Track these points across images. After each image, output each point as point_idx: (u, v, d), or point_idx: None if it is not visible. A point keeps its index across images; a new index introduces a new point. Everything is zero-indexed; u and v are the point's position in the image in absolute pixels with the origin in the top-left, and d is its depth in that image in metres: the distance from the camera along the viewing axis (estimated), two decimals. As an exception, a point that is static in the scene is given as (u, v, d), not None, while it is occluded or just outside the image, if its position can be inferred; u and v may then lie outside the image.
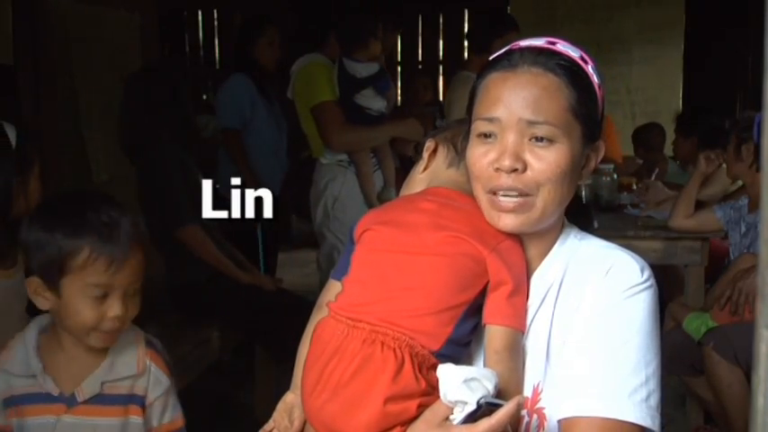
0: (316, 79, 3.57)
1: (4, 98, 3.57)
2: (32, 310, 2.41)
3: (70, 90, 3.91)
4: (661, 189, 4.37)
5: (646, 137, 5.30)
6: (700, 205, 3.57)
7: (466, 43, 7.29)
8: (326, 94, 3.54)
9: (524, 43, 1.19)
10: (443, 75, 7.34)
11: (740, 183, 3.66)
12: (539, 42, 1.18)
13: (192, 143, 3.41)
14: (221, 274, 3.26)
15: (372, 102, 3.71)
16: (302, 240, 6.85)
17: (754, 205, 3.15)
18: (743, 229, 3.20)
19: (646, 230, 3.71)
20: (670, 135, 5.16)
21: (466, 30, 7.25)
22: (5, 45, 3.51)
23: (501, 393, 1.03)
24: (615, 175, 4.35)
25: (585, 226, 1.29)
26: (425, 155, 1.35)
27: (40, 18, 3.69)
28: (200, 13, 6.89)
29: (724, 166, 3.50)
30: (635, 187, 4.60)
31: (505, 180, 1.12)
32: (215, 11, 6.90)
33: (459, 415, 1.00)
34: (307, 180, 3.84)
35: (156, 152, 3.21)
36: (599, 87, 1.19)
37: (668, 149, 5.28)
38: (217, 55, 6.80)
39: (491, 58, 1.21)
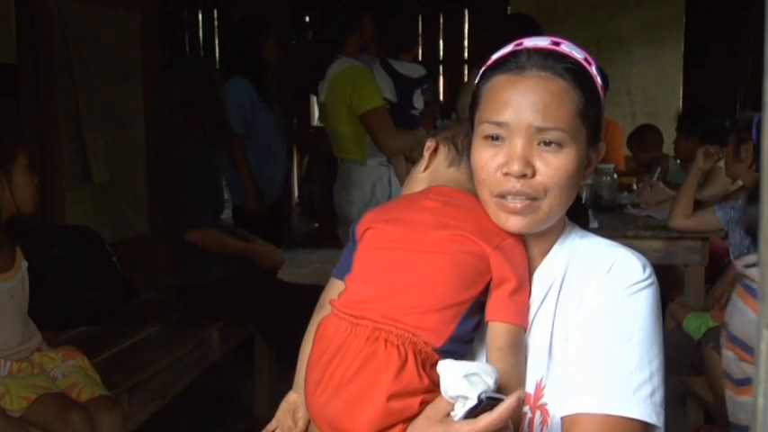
0: (365, 84, 3.57)
1: (8, 97, 3.57)
2: (35, 313, 2.43)
3: (71, 90, 3.91)
4: (662, 189, 4.37)
5: (641, 137, 5.30)
6: (700, 205, 3.57)
7: (466, 43, 7.30)
8: (378, 99, 3.57)
9: (529, 43, 1.18)
10: (443, 75, 7.34)
11: (740, 183, 3.66)
12: (544, 43, 1.17)
13: (223, 142, 3.40)
14: (231, 276, 3.27)
15: (419, 102, 3.89)
16: (302, 240, 6.86)
17: (754, 205, 3.15)
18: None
19: (646, 230, 3.71)
20: (670, 134, 5.16)
21: (466, 30, 7.25)
22: (9, 45, 3.51)
23: (503, 390, 1.03)
24: (615, 175, 4.36)
25: (583, 225, 1.30)
26: (426, 154, 1.35)
27: (40, 18, 3.69)
28: (200, 13, 6.89)
29: (722, 164, 3.50)
30: (635, 187, 4.61)
31: (514, 185, 1.12)
32: (215, 11, 6.90)
33: (460, 410, 1.00)
34: (327, 180, 3.87)
35: (183, 150, 3.21)
36: (602, 89, 1.19)
37: (669, 149, 5.29)
38: (217, 55, 6.80)
39: (494, 57, 1.20)
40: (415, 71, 4.00)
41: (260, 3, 6.40)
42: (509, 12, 6.64)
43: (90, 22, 4.05)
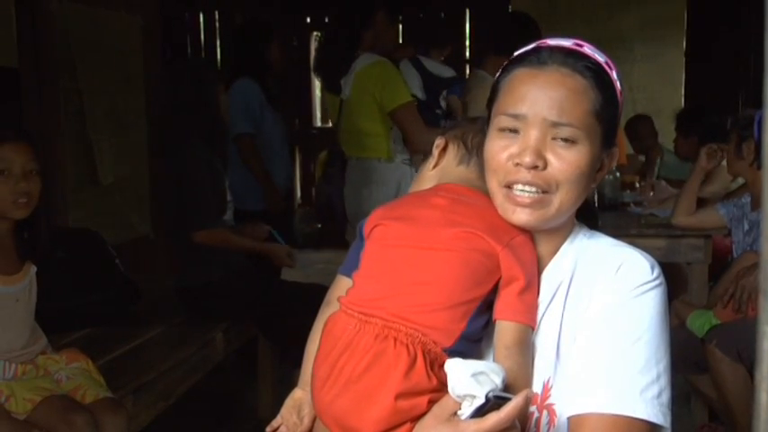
0: (394, 80, 3.54)
1: (9, 101, 3.57)
2: (37, 314, 2.43)
3: (74, 92, 3.92)
4: (664, 187, 4.38)
5: (635, 129, 5.36)
6: (701, 203, 3.57)
7: (468, 42, 7.30)
8: (407, 95, 3.55)
9: (552, 42, 1.19)
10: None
11: (741, 180, 3.66)
12: (567, 43, 1.19)
13: (220, 143, 3.39)
14: (233, 277, 3.27)
15: (443, 102, 3.91)
16: (304, 241, 6.86)
17: (757, 203, 3.15)
18: (746, 226, 3.20)
19: (649, 228, 3.71)
20: (671, 132, 5.17)
21: (467, 29, 7.25)
22: (10, 48, 3.52)
23: (510, 389, 1.03)
24: (618, 174, 4.36)
25: (591, 226, 1.30)
26: (435, 152, 1.35)
27: (41, 20, 3.70)
28: (201, 15, 6.90)
29: (724, 163, 3.50)
30: (637, 185, 4.61)
31: (524, 175, 1.13)
32: (216, 13, 6.91)
33: (467, 409, 1.00)
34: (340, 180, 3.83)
35: (184, 152, 3.22)
36: (620, 94, 1.20)
37: (669, 146, 5.30)
38: (219, 57, 6.80)
39: (517, 53, 1.21)
40: (445, 71, 4.00)
41: (261, 5, 6.40)
42: (510, 11, 6.63)
43: (91, 24, 4.06)
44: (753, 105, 5.42)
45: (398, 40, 4.26)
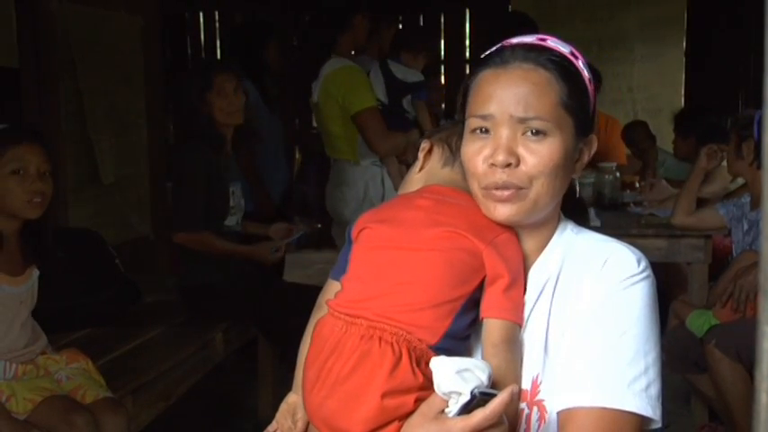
0: (358, 84, 3.60)
1: (9, 101, 3.58)
2: (37, 314, 2.44)
3: (75, 92, 3.92)
4: (665, 187, 4.38)
5: (630, 135, 5.38)
6: (701, 203, 3.57)
7: (468, 42, 7.30)
8: (371, 99, 3.60)
9: (515, 40, 1.21)
10: (445, 74, 7.34)
11: (741, 180, 3.66)
12: (529, 39, 1.20)
13: (218, 144, 3.35)
14: (234, 277, 3.27)
15: (409, 106, 3.97)
16: (304, 241, 6.85)
17: (756, 203, 3.15)
18: (745, 226, 3.21)
19: (649, 228, 3.71)
20: (670, 133, 5.17)
21: (467, 29, 7.25)
22: (10, 48, 3.52)
23: (499, 386, 1.03)
24: (618, 174, 4.36)
25: (581, 222, 1.30)
26: (421, 155, 1.37)
27: (41, 20, 3.70)
28: (201, 15, 6.90)
29: (724, 163, 3.50)
30: (638, 185, 4.62)
31: (500, 176, 1.14)
32: (216, 12, 6.91)
33: (453, 407, 1.01)
34: (320, 180, 3.89)
35: (183, 154, 3.21)
36: (590, 82, 1.21)
37: (668, 146, 5.30)
38: (219, 57, 6.81)
39: (482, 55, 1.23)
40: (410, 76, 4.01)
41: (261, 4, 6.40)
42: (509, 11, 6.63)
43: (92, 24, 4.06)
44: (753, 105, 5.43)
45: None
